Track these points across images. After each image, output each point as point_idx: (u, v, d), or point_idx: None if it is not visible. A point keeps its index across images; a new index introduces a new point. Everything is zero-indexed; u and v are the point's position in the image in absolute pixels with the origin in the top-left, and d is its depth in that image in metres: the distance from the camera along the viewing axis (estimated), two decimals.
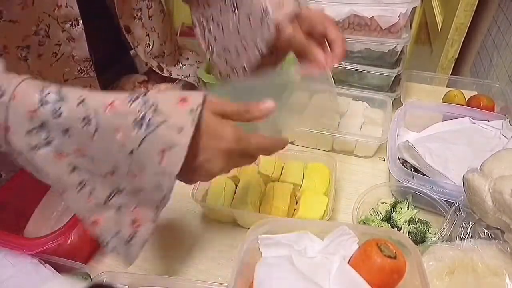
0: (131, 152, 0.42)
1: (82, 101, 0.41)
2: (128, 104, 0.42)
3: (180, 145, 0.42)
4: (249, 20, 0.65)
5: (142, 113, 0.42)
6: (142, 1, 0.80)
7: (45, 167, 0.43)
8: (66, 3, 0.63)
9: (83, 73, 0.71)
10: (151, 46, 0.84)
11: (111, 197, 0.45)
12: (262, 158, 0.73)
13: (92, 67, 0.72)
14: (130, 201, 0.46)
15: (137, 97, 0.42)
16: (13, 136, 0.41)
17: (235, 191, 0.70)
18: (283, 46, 0.65)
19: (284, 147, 0.50)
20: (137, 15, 0.80)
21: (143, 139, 0.42)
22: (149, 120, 0.42)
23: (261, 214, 0.66)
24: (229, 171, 0.48)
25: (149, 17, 0.81)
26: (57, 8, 0.62)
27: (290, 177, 0.73)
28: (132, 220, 0.46)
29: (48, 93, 0.41)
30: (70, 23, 0.65)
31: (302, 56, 0.65)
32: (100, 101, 0.42)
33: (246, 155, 0.48)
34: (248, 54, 0.67)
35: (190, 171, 0.45)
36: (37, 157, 0.42)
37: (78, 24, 0.66)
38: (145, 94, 0.43)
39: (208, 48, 0.75)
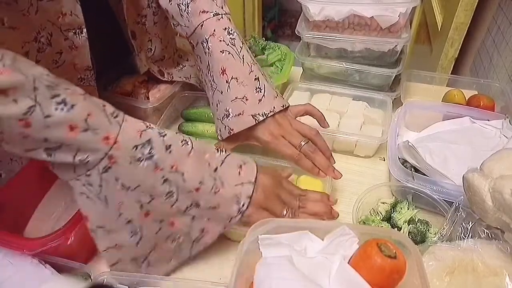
0: (216, 169, 0.55)
1: (177, 131, 0.54)
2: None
3: (249, 162, 0.59)
4: (217, 107, 0.72)
5: (216, 148, 0.57)
6: (149, 8, 0.80)
7: (144, 178, 0.51)
8: (71, 12, 0.61)
9: (83, 82, 0.70)
10: (152, 51, 0.84)
11: (189, 208, 0.54)
12: None
13: (93, 76, 0.71)
14: (205, 214, 0.55)
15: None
16: (119, 150, 0.49)
17: None
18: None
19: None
20: (140, 20, 0.79)
21: (224, 158, 0.57)
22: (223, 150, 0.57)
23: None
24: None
25: (154, 23, 0.81)
26: (61, 16, 0.60)
27: None
28: (201, 228, 0.57)
29: (150, 124, 0.52)
30: (73, 31, 0.63)
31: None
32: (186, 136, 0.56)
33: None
34: (218, 129, 0.75)
35: (255, 204, 0.57)
36: (138, 169, 0.50)
37: (82, 33, 0.64)
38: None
39: (200, 85, 0.84)
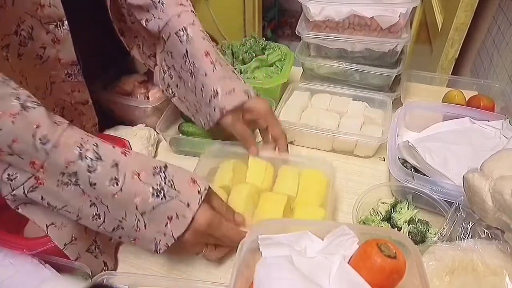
0: (143, 213, 0.53)
1: (116, 165, 0.51)
2: (151, 175, 0.53)
3: (186, 217, 0.54)
4: (202, 92, 0.72)
5: (161, 186, 0.53)
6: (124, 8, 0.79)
7: (71, 200, 0.51)
8: (50, 3, 0.60)
9: (71, 77, 0.69)
10: (141, 46, 0.84)
11: (115, 230, 0.54)
12: (250, 164, 0.72)
13: (79, 71, 0.70)
14: (130, 236, 0.55)
15: (160, 171, 0.54)
16: (45, 174, 0.48)
17: (226, 202, 0.65)
18: (227, 129, 0.73)
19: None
20: (121, 18, 0.79)
21: (157, 205, 0.53)
22: (165, 193, 0.53)
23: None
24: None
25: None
26: (39, 8, 0.59)
27: (284, 187, 0.69)
28: (132, 240, 0.56)
29: (87, 150, 0.50)
30: (54, 23, 0.62)
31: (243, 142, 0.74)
32: (130, 169, 0.52)
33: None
34: (204, 116, 0.75)
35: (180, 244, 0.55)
36: (65, 191, 0.50)
37: (63, 25, 0.63)
38: (166, 168, 0.55)
39: (167, 90, 0.81)
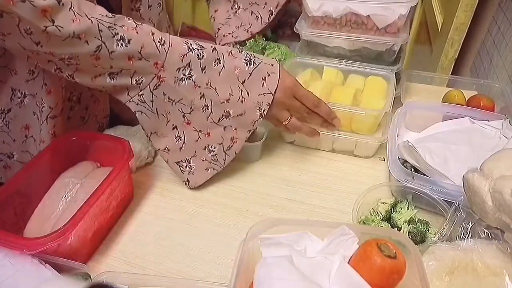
0: (244, 81, 0.68)
1: (214, 49, 0.66)
2: (238, 52, 0.69)
3: (275, 73, 0.70)
4: None
5: (249, 57, 0.69)
6: None
7: (186, 93, 0.66)
8: None
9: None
10: None
11: (222, 118, 0.69)
12: (324, 70, 0.91)
13: None
14: (233, 123, 0.70)
15: (242, 50, 0.72)
16: (165, 72, 0.63)
17: None
18: None
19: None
20: (135, 6, 0.81)
21: (252, 71, 0.69)
22: (254, 60, 0.69)
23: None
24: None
25: (149, 6, 0.83)
26: None
27: (352, 84, 0.88)
28: (231, 137, 0.71)
29: (191, 43, 0.65)
30: None
31: None
32: (224, 49, 0.68)
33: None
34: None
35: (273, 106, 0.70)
36: (181, 87, 0.65)
37: None
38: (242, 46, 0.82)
39: None
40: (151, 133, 0.68)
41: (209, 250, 0.65)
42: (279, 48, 1.02)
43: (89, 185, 0.65)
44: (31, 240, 0.57)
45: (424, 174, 0.70)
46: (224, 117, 0.69)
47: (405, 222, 0.64)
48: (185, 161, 0.71)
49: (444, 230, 0.60)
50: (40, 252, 0.55)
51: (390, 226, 0.65)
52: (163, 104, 0.66)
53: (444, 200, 0.65)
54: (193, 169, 0.72)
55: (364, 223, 0.65)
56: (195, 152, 0.71)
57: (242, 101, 0.68)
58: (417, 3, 0.89)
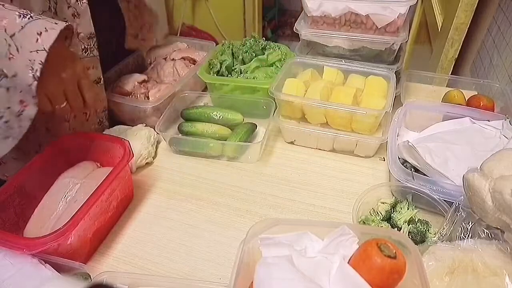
0: (13, 35, 0.56)
1: None
2: (17, 7, 0.58)
3: (55, 29, 0.58)
4: None
5: (27, 12, 0.58)
6: None
7: None
8: None
9: (87, 52, 0.76)
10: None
11: (0, 79, 0.57)
12: (325, 70, 0.91)
13: (95, 44, 0.77)
14: (16, 85, 0.58)
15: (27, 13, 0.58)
16: None
17: (305, 91, 0.85)
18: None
19: None
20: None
21: (25, 25, 0.57)
22: (31, 15, 0.58)
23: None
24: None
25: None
26: None
27: (353, 84, 0.89)
28: (20, 100, 0.59)
29: None
30: None
31: None
32: None
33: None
34: None
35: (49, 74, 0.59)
36: None
37: (83, 0, 0.71)
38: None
39: None
40: None
41: (209, 250, 0.66)
42: (279, 48, 1.02)
43: (89, 185, 0.65)
44: (31, 240, 0.56)
45: (424, 174, 0.70)
46: (2, 76, 0.58)
47: (405, 222, 0.64)
48: None
49: (444, 230, 0.60)
50: (40, 252, 0.55)
51: (390, 226, 0.65)
52: None
53: (444, 200, 0.65)
54: None
55: (364, 223, 0.65)
56: None
57: (9, 59, 0.57)
58: (416, 2, 0.89)
